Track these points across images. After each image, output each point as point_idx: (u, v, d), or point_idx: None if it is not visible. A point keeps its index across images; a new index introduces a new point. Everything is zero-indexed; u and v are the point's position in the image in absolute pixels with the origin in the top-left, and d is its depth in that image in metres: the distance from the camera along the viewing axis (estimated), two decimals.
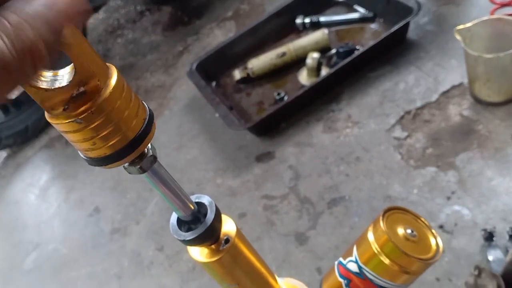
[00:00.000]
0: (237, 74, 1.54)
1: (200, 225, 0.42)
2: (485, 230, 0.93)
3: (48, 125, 1.81)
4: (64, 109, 0.27)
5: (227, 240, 0.45)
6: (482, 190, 1.01)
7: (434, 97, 1.22)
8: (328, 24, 1.58)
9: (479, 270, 0.78)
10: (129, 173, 0.37)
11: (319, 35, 1.48)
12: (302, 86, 1.43)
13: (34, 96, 0.26)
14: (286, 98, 1.40)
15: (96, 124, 0.28)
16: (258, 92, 1.51)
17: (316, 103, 1.35)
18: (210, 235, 0.43)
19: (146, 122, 0.31)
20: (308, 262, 1.05)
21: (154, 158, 0.36)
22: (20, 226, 1.53)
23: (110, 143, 0.30)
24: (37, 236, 1.46)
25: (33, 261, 1.39)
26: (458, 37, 1.07)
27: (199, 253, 0.46)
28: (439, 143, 1.13)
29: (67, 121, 0.28)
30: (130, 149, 0.31)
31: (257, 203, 1.19)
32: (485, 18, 1.08)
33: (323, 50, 1.46)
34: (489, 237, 0.92)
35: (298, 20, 1.61)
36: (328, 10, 1.65)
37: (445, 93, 1.22)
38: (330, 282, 0.66)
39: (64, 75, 0.27)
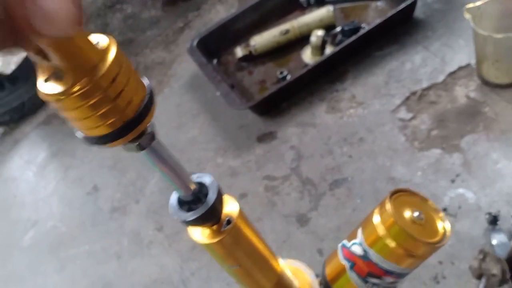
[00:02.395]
0: (239, 51, 1.50)
1: (201, 206, 0.41)
2: (489, 213, 0.92)
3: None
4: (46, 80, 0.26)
5: (229, 221, 0.44)
6: (487, 173, 1.00)
7: (441, 78, 1.19)
8: (333, 1, 1.53)
9: (484, 254, 0.77)
10: (127, 151, 0.35)
11: (323, 12, 1.44)
12: (306, 65, 1.40)
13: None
14: (289, 77, 1.38)
15: (93, 101, 0.27)
16: (261, 71, 1.48)
17: (320, 82, 1.33)
18: (211, 216, 0.42)
19: (146, 100, 0.30)
20: (309, 243, 1.04)
21: (153, 136, 0.35)
22: (18, 203, 1.52)
23: (108, 122, 0.28)
24: (35, 214, 1.45)
25: (31, 238, 1.39)
26: (467, 16, 1.04)
27: (200, 234, 0.45)
28: (445, 125, 1.11)
29: (62, 97, 0.26)
30: (130, 128, 0.30)
31: (258, 183, 1.18)
32: None
33: (328, 28, 1.43)
34: (493, 220, 0.91)
35: None
36: None
37: (452, 74, 1.19)
38: (333, 264, 0.64)
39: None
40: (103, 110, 0.27)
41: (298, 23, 1.46)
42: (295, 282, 0.62)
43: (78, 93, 0.26)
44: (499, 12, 1.07)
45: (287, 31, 1.46)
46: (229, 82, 1.42)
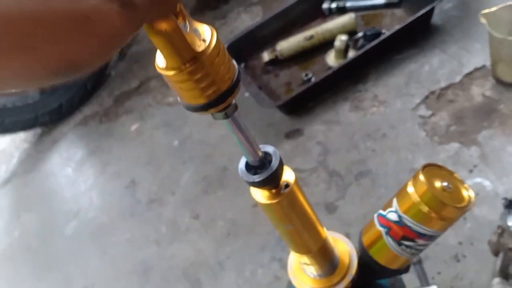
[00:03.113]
0: (266, 56, 1.61)
1: (265, 170, 0.49)
2: (505, 198, 1.00)
3: (81, 103, 1.90)
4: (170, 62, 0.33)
5: (287, 185, 0.52)
6: (503, 164, 1.08)
7: (458, 79, 1.28)
8: (354, 9, 1.63)
9: (502, 230, 0.85)
10: (215, 119, 0.42)
11: (346, 19, 1.54)
12: (329, 67, 1.50)
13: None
14: (313, 79, 1.47)
15: (197, 77, 0.34)
16: (286, 74, 1.58)
17: (343, 83, 1.42)
18: (274, 179, 0.49)
19: (236, 77, 0.37)
20: (337, 228, 1.12)
21: (236, 107, 0.42)
22: (59, 196, 1.62)
23: (207, 93, 0.35)
24: (76, 205, 1.55)
25: (74, 227, 1.49)
26: (483, 20, 1.13)
27: (262, 196, 0.53)
28: (462, 121, 1.20)
29: (174, 72, 0.34)
30: (222, 99, 0.37)
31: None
32: (509, 2, 1.14)
33: (350, 34, 1.52)
34: (509, 205, 0.98)
35: (325, 5, 1.67)
36: None
37: (468, 74, 1.28)
38: (370, 232, 0.73)
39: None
40: (203, 84, 0.35)
41: (322, 29, 1.56)
42: (336, 248, 0.70)
43: (187, 70, 0.33)
44: None
45: (311, 37, 1.56)
46: (257, 84, 1.52)
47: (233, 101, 0.40)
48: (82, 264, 1.38)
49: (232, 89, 0.37)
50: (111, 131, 1.72)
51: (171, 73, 0.34)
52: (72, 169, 1.68)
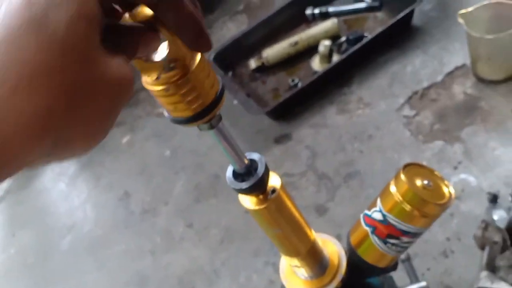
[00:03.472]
0: (253, 63, 1.63)
1: (252, 177, 0.51)
2: (489, 193, 1.03)
3: None
4: (156, 78, 0.35)
5: (273, 191, 0.54)
6: (486, 160, 1.11)
7: (440, 78, 1.31)
8: (336, 14, 1.67)
9: (486, 224, 0.87)
10: (200, 129, 0.44)
11: (329, 24, 1.57)
12: (315, 72, 1.53)
13: (136, 65, 0.34)
14: (300, 84, 1.50)
15: (183, 91, 0.36)
16: (273, 80, 1.60)
17: (329, 87, 1.45)
18: (260, 185, 0.51)
19: (219, 91, 0.39)
20: (328, 230, 1.13)
21: (221, 117, 0.43)
22: (53, 212, 1.63)
23: (193, 107, 0.37)
24: (70, 220, 1.56)
25: (69, 242, 1.50)
26: (461, 20, 1.16)
27: (249, 202, 0.54)
28: (445, 119, 1.23)
29: (159, 88, 0.35)
30: (207, 112, 0.38)
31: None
32: (485, 2, 1.17)
33: (333, 38, 1.55)
34: (494, 199, 1.02)
35: (308, 11, 1.70)
36: (335, 0, 1.74)
37: (449, 73, 1.31)
38: (357, 232, 0.75)
39: (159, 53, 0.34)
40: (189, 98, 0.36)
41: (306, 35, 1.59)
42: (325, 250, 0.72)
43: (175, 84, 0.35)
44: (489, 16, 1.19)
45: (296, 43, 1.59)
46: (245, 91, 1.55)
47: (218, 112, 0.42)
48: (79, 278, 1.39)
49: (216, 101, 0.39)
50: (102, 144, 1.69)
51: (157, 88, 0.35)
52: (65, 184, 1.69)
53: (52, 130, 0.23)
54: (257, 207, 0.54)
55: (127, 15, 0.31)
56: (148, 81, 0.36)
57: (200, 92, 0.37)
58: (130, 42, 0.29)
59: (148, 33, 0.30)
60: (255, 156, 0.53)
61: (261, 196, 0.54)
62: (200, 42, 0.32)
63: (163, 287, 1.26)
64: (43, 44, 0.22)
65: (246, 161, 0.51)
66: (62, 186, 1.69)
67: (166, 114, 0.39)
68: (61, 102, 0.22)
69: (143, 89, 0.36)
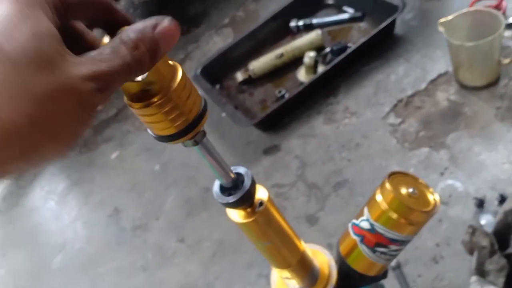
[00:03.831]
0: (239, 76, 1.65)
1: (239, 191, 0.52)
2: (476, 198, 1.04)
3: None
4: (137, 98, 0.35)
5: (261, 204, 0.54)
6: (472, 164, 1.13)
7: (423, 85, 1.34)
8: (320, 25, 1.69)
9: (473, 229, 0.89)
10: (185, 146, 0.44)
11: (313, 35, 1.59)
12: (301, 83, 1.54)
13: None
14: (287, 95, 1.51)
15: (165, 110, 0.36)
16: (260, 92, 1.62)
17: (315, 97, 1.46)
18: (248, 198, 0.52)
19: (202, 107, 0.39)
20: (319, 239, 1.16)
21: (205, 133, 0.44)
22: (44, 230, 1.62)
23: (176, 124, 0.37)
24: (61, 239, 1.55)
25: (61, 261, 1.49)
26: (441, 29, 1.19)
27: (237, 215, 0.55)
28: (430, 126, 1.25)
29: (143, 107, 0.35)
30: (191, 129, 0.38)
31: (268, 191, 1.29)
32: (464, 10, 1.20)
33: (318, 49, 1.57)
34: (480, 204, 1.03)
35: (292, 23, 1.73)
36: (319, 12, 1.77)
37: (432, 81, 1.33)
38: (346, 241, 0.76)
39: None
40: (172, 116, 0.37)
41: (291, 47, 1.61)
42: (315, 260, 0.73)
43: (156, 103, 0.35)
44: (468, 24, 1.22)
45: (281, 55, 1.61)
46: (232, 104, 1.56)
47: (202, 128, 0.42)
48: None
49: (199, 118, 0.39)
50: (91, 160, 1.73)
51: (139, 106, 0.36)
52: (55, 202, 1.68)
53: (16, 142, 0.23)
54: (245, 221, 0.55)
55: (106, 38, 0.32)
56: (130, 100, 0.36)
57: (182, 109, 0.37)
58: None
59: None
60: (241, 169, 0.54)
61: (248, 209, 0.55)
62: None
63: None
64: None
65: (232, 175, 0.52)
66: (52, 204, 1.68)
67: (150, 132, 0.39)
68: (22, 114, 0.23)
69: None
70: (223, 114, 1.52)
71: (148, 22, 0.30)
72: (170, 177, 1.51)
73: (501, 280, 0.86)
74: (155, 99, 0.36)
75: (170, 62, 0.37)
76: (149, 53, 0.29)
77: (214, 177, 0.47)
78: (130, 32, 0.29)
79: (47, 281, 1.47)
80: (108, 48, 0.28)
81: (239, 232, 0.57)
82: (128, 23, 0.32)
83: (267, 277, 1.13)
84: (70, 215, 1.60)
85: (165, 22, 0.30)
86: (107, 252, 1.43)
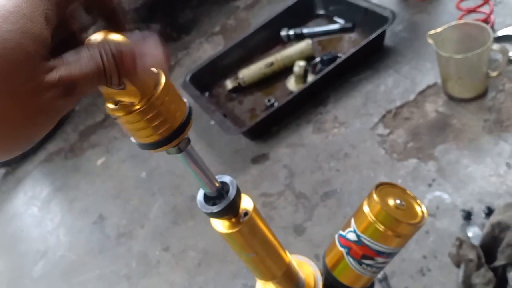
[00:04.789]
0: (229, 84, 1.64)
1: (224, 200, 0.50)
2: (463, 210, 1.04)
3: (45, 140, 1.88)
4: (116, 104, 0.35)
5: (246, 214, 0.53)
6: (459, 177, 1.13)
7: (412, 97, 1.34)
8: (311, 35, 1.70)
9: (460, 242, 0.88)
10: (168, 153, 0.43)
11: (303, 45, 1.59)
12: (291, 92, 1.54)
13: (101, 89, 0.34)
14: (276, 104, 1.51)
15: (149, 116, 0.35)
16: (250, 100, 1.61)
17: (305, 107, 1.46)
18: (232, 209, 0.51)
19: (187, 114, 0.38)
20: (306, 250, 1.14)
21: (189, 140, 0.43)
22: (25, 237, 1.58)
23: (159, 131, 0.36)
24: (43, 245, 1.52)
25: (42, 268, 1.45)
26: (430, 41, 1.19)
27: (222, 226, 0.54)
28: (419, 137, 1.25)
29: (124, 114, 0.35)
30: (175, 136, 0.38)
31: (255, 200, 1.26)
32: (453, 23, 1.21)
33: (308, 58, 1.57)
34: (468, 216, 1.03)
35: (283, 33, 1.73)
36: (310, 22, 1.77)
37: (421, 92, 1.34)
38: (332, 253, 0.75)
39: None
40: (155, 123, 0.36)
41: (281, 56, 1.61)
42: (300, 272, 0.71)
43: (138, 111, 0.34)
44: (458, 36, 1.23)
45: (271, 64, 1.60)
46: (221, 112, 1.55)
47: (185, 135, 0.41)
48: None
49: (184, 125, 0.38)
50: (77, 166, 1.70)
51: (121, 114, 0.35)
52: (38, 208, 1.65)
53: None
54: (229, 231, 0.53)
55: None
56: (111, 107, 0.35)
57: (166, 116, 0.36)
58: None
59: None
60: (226, 178, 0.53)
61: (233, 219, 0.54)
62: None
63: None
64: None
65: (217, 184, 0.51)
66: (34, 210, 1.65)
67: (132, 139, 0.38)
68: None
69: None
70: (212, 122, 1.51)
71: (135, 37, 0.31)
72: (156, 185, 1.49)
73: None
74: (138, 106, 0.35)
75: (153, 69, 0.36)
76: (116, 68, 0.29)
77: (200, 186, 0.46)
78: (103, 42, 0.29)
79: None
80: (74, 54, 0.28)
81: (224, 242, 0.56)
82: (116, 15, 0.33)
83: (252, 287, 1.12)
84: (53, 222, 1.57)
85: (142, 45, 0.31)
86: (90, 260, 1.40)
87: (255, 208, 0.54)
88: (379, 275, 0.91)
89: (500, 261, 0.85)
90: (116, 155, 1.66)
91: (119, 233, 1.42)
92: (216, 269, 1.21)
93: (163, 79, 0.35)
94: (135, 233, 1.40)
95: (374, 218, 0.68)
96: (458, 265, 0.92)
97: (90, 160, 1.69)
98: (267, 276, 0.61)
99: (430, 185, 1.14)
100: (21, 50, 0.24)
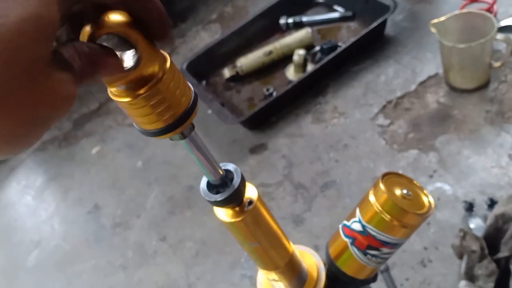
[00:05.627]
0: (227, 72, 1.61)
1: (228, 188, 0.49)
2: (465, 201, 1.03)
3: None
4: (124, 89, 0.33)
5: (250, 202, 0.52)
6: (460, 168, 1.12)
7: (413, 87, 1.32)
8: (310, 24, 1.67)
9: (464, 233, 0.87)
10: (171, 140, 0.42)
11: (303, 33, 1.57)
12: (290, 81, 1.52)
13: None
14: (275, 93, 1.49)
15: (153, 102, 0.33)
16: (248, 89, 1.59)
17: (304, 97, 1.44)
18: (236, 197, 0.49)
19: (192, 100, 0.37)
20: (306, 241, 1.13)
21: (193, 126, 0.41)
22: (20, 226, 1.56)
23: (164, 118, 0.35)
24: (37, 235, 1.49)
25: (36, 258, 1.43)
26: (433, 29, 1.17)
27: (225, 214, 0.52)
28: (419, 128, 1.23)
29: (127, 99, 0.33)
30: (180, 122, 0.36)
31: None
32: (456, 12, 1.19)
33: (307, 47, 1.55)
34: (470, 207, 1.02)
35: (282, 21, 1.70)
36: (309, 10, 1.75)
37: (422, 83, 1.32)
38: (336, 243, 0.73)
39: (129, 61, 0.32)
40: (160, 109, 0.34)
41: (280, 44, 1.58)
42: (303, 262, 0.70)
43: (143, 96, 0.33)
44: (460, 26, 1.21)
45: (270, 52, 1.58)
46: (219, 101, 1.53)
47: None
48: None
49: (189, 112, 0.37)
50: (71, 155, 1.68)
51: (125, 100, 0.33)
52: (32, 197, 1.62)
53: None
54: (233, 220, 0.52)
55: (88, 28, 0.29)
56: (114, 92, 0.33)
57: (171, 102, 0.34)
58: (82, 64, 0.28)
59: (105, 58, 0.29)
60: (230, 166, 0.51)
61: (237, 208, 0.52)
62: (168, 32, 0.31)
63: None
64: None
65: (221, 172, 0.49)
66: (28, 199, 1.62)
67: (135, 125, 0.37)
68: None
69: None
70: (209, 111, 1.48)
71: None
72: (153, 174, 1.47)
73: (490, 285, 0.84)
74: (142, 91, 0.33)
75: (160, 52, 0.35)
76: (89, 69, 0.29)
77: (198, 176, 0.45)
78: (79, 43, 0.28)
79: (22, 279, 1.41)
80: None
81: (223, 232, 0.54)
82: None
83: (251, 278, 1.10)
84: (47, 211, 1.55)
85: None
86: (85, 250, 1.38)
87: (259, 197, 0.53)
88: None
89: (503, 253, 0.84)
90: (111, 144, 1.63)
91: (114, 223, 1.40)
92: (214, 259, 1.19)
93: (168, 62, 0.34)
94: (131, 223, 1.38)
95: (380, 208, 0.66)
96: (460, 257, 0.91)
97: (85, 149, 1.67)
98: (270, 266, 0.60)
99: (431, 176, 1.12)
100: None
